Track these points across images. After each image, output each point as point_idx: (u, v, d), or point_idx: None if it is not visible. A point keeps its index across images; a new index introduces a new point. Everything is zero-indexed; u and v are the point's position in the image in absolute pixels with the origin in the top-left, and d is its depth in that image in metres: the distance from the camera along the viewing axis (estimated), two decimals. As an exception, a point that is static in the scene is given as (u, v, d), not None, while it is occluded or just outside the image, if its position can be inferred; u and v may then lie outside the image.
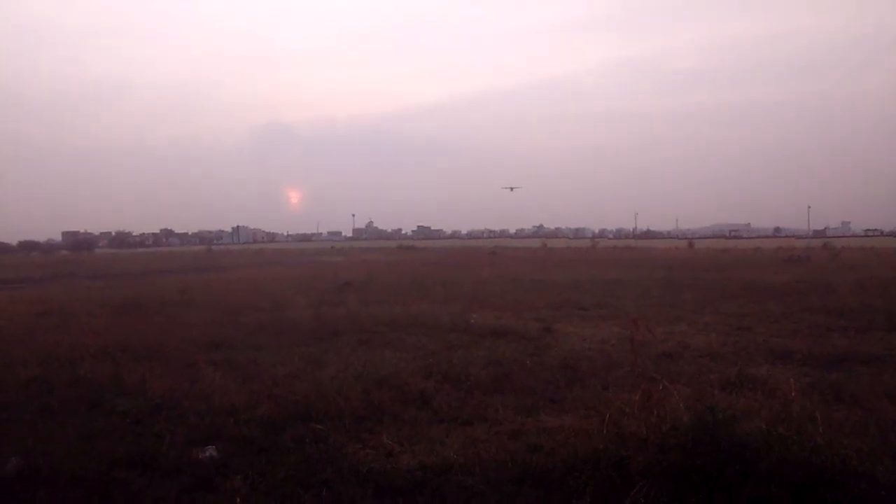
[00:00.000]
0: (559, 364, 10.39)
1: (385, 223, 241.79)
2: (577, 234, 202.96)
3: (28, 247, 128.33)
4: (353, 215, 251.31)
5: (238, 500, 5.28)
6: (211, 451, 6.46)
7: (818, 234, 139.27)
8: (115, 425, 7.43)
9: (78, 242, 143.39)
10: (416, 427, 7.24)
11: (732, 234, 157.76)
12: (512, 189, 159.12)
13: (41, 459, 6.04)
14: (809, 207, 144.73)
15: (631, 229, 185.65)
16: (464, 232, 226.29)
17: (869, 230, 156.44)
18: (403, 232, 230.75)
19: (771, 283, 24.66)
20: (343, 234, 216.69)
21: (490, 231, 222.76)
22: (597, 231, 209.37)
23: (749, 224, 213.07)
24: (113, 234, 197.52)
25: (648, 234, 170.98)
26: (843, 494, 4.76)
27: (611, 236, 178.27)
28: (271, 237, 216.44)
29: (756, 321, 15.05)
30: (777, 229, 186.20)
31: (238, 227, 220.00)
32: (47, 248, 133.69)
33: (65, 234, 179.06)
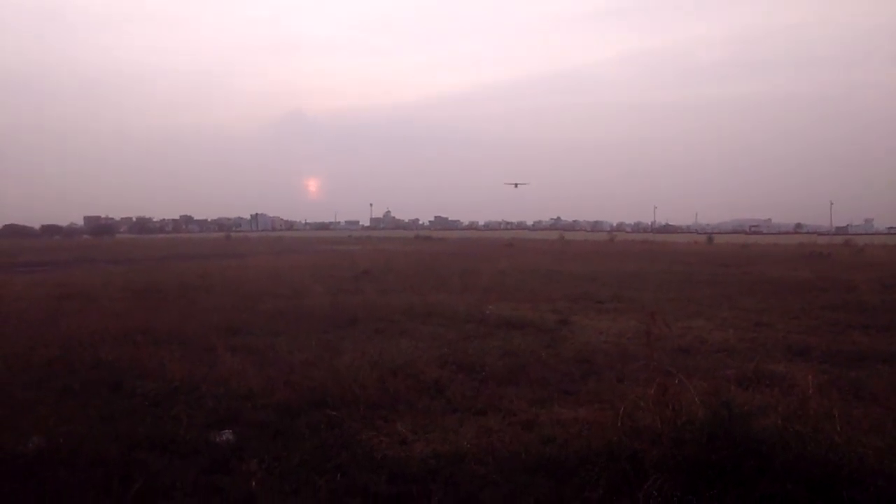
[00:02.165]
0: (574, 356, 10.38)
1: (402, 213, 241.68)
2: (595, 227, 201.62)
3: (50, 231, 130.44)
4: (371, 205, 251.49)
5: (254, 483, 5.35)
6: (228, 434, 6.55)
7: (840, 230, 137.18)
8: (134, 407, 7.55)
9: (99, 227, 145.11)
10: (430, 416, 7.28)
11: (752, 229, 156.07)
12: (516, 185, 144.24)
13: (62, 439, 6.16)
14: (832, 204, 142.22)
15: (649, 223, 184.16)
16: (481, 223, 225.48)
17: (892, 228, 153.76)
18: (421, 222, 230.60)
19: (791, 279, 24.42)
20: (361, 223, 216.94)
21: (507, 222, 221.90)
22: (615, 224, 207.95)
23: (770, 220, 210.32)
24: (134, 219, 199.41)
25: (667, 229, 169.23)
26: (860, 492, 4.73)
27: (629, 230, 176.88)
28: (289, 225, 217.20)
29: (775, 317, 14.92)
30: (798, 225, 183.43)
31: (257, 214, 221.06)
32: (69, 232, 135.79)
33: (86, 218, 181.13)
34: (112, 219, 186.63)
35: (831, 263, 34.49)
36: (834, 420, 5.42)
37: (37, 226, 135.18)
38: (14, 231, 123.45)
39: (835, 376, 8.94)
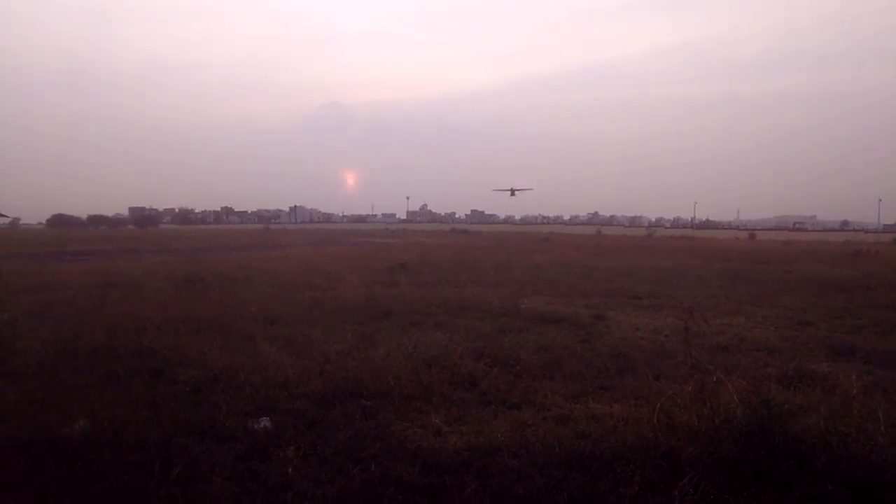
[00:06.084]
0: (610, 352, 10.28)
1: (439, 206, 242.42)
2: (633, 222, 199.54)
3: (97, 221, 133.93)
4: (408, 198, 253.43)
5: (290, 470, 5.44)
6: (265, 422, 6.67)
7: (889, 228, 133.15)
8: (175, 394, 7.72)
9: (143, 218, 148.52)
10: (464, 408, 7.30)
11: (797, 226, 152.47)
12: (512, 192, 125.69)
13: (106, 423, 6.35)
14: (880, 201, 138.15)
15: (689, 219, 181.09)
16: (517, 217, 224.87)
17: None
18: (457, 216, 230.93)
19: (835, 277, 23.80)
20: (397, 216, 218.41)
21: (544, 217, 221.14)
22: (653, 220, 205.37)
23: (815, 216, 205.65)
24: (176, 210, 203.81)
25: (707, 224, 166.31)
26: (903, 496, 4.61)
27: (668, 225, 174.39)
28: (327, 217, 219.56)
29: (818, 316, 14.57)
30: (845, 223, 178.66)
31: (295, 206, 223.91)
32: (115, 222, 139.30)
33: (131, 209, 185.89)
34: (156, 210, 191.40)
35: (878, 262, 33.50)
36: (878, 421, 5.29)
37: (84, 216, 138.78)
38: (62, 221, 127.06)
39: (880, 377, 8.71)
